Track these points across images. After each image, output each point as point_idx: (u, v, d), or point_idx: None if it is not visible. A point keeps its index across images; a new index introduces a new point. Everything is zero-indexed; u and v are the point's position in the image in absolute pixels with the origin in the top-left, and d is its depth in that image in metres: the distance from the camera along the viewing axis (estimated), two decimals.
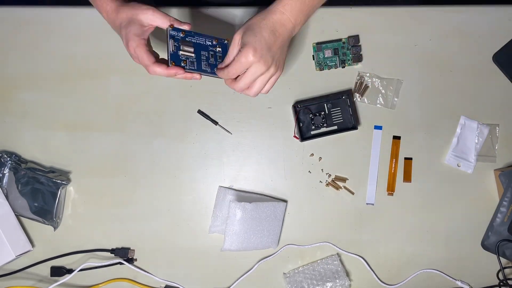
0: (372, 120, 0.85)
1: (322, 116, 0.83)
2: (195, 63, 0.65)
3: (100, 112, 0.84)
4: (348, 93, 0.83)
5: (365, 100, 0.84)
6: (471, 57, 0.85)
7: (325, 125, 0.83)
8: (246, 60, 0.61)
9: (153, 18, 0.63)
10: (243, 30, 0.62)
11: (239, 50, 0.62)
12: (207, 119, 0.82)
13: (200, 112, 0.82)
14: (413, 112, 0.85)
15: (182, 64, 0.64)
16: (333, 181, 0.85)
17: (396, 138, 0.85)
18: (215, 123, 0.82)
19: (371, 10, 0.85)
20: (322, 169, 0.85)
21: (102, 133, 0.84)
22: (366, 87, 0.84)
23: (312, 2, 0.65)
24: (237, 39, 0.63)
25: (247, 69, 0.62)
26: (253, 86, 0.64)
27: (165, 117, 0.84)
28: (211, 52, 0.66)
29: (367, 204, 0.85)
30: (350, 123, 0.83)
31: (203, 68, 0.65)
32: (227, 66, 0.63)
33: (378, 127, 0.85)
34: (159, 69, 0.63)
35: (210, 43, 0.66)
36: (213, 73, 0.65)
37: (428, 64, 0.85)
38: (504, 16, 0.85)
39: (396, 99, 0.84)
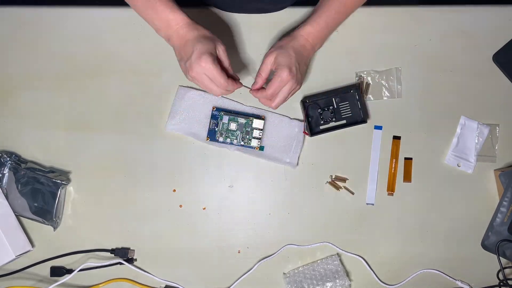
0: (373, 120, 0.85)
1: (331, 110, 0.83)
2: None
3: (100, 112, 0.84)
4: (357, 87, 0.82)
5: (371, 97, 0.84)
6: (471, 57, 0.85)
7: (333, 119, 0.83)
8: (282, 79, 0.69)
9: (221, 54, 0.68)
10: (276, 53, 0.70)
11: (276, 71, 0.69)
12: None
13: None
14: (413, 112, 0.85)
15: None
16: (333, 181, 0.85)
17: (396, 138, 0.85)
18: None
19: (371, 10, 0.85)
20: (322, 169, 0.85)
21: (102, 133, 0.84)
22: (368, 84, 0.84)
23: (329, 31, 0.75)
24: (269, 60, 0.71)
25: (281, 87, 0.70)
26: (279, 100, 0.72)
27: (165, 117, 0.84)
28: None
29: (367, 204, 0.85)
30: (359, 117, 0.83)
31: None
32: (266, 88, 0.71)
33: (378, 127, 0.85)
34: (232, 84, 0.68)
35: None
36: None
37: (428, 64, 0.85)
38: (504, 16, 0.85)
39: (399, 86, 0.84)
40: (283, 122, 0.84)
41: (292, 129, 0.84)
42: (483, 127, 0.85)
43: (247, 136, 0.83)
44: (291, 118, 0.84)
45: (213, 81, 0.66)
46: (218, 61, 0.68)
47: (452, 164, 0.85)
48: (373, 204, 0.85)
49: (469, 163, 0.85)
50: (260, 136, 0.83)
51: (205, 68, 0.65)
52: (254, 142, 0.83)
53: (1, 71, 0.84)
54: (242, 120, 0.82)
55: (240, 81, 0.72)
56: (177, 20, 0.68)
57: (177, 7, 0.69)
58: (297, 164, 0.84)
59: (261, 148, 0.83)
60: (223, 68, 0.68)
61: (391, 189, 0.85)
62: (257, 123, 0.83)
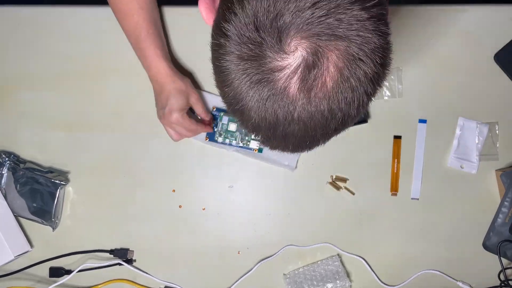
0: (374, 119, 0.84)
1: None
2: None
3: (100, 112, 0.84)
4: None
5: (372, 97, 0.84)
6: (472, 57, 0.85)
7: None
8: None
9: (194, 103, 0.76)
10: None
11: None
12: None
13: None
14: (414, 112, 0.85)
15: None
16: (333, 181, 0.84)
17: (397, 137, 0.84)
18: (193, 112, 0.83)
19: None
20: (322, 169, 0.84)
21: (101, 133, 0.84)
22: None
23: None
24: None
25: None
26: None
27: None
28: None
29: (412, 199, 0.84)
30: (360, 117, 0.82)
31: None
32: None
33: (422, 121, 0.84)
34: (202, 129, 0.78)
35: None
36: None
37: (429, 63, 0.84)
38: (505, 16, 0.84)
39: (400, 86, 0.84)
40: None
41: None
42: (482, 126, 0.84)
43: (246, 138, 0.82)
44: None
45: (184, 128, 0.75)
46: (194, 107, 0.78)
47: (455, 167, 0.84)
48: (418, 199, 0.84)
49: (472, 163, 0.84)
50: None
51: (174, 122, 0.74)
52: (253, 144, 0.82)
53: (1, 70, 0.83)
54: None
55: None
56: (158, 68, 0.73)
57: (163, 56, 0.73)
58: (296, 167, 0.84)
59: (260, 150, 0.83)
60: (194, 115, 0.80)
61: (394, 189, 0.84)
62: None
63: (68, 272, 0.83)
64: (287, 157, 0.83)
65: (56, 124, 0.84)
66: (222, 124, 0.82)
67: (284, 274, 0.85)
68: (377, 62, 0.39)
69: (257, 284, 0.85)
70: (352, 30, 0.37)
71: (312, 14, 0.36)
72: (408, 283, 0.85)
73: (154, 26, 0.73)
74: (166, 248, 0.84)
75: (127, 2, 0.71)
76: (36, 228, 0.83)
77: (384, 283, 0.85)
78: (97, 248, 0.84)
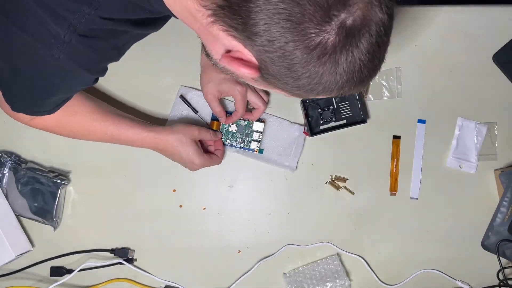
0: (373, 119, 0.85)
1: (331, 110, 0.83)
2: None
3: None
4: None
5: (371, 97, 0.84)
6: (471, 57, 0.85)
7: (333, 119, 0.83)
8: (243, 97, 0.77)
9: (199, 135, 0.77)
10: (215, 88, 0.76)
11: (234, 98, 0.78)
12: (188, 106, 0.83)
13: (182, 97, 0.83)
14: (413, 112, 0.85)
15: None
16: (333, 181, 0.85)
17: (396, 137, 0.85)
18: (195, 112, 0.83)
19: None
20: (322, 169, 0.85)
21: None
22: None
23: None
24: (215, 96, 0.77)
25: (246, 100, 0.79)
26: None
27: (166, 117, 0.84)
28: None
29: (411, 198, 0.85)
30: (359, 117, 0.83)
31: None
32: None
33: (421, 121, 0.85)
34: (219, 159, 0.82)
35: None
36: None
37: (428, 64, 0.85)
38: (504, 16, 0.85)
39: (399, 86, 0.84)
40: (283, 126, 0.84)
41: (292, 132, 0.83)
42: (481, 126, 0.85)
43: (247, 138, 0.83)
44: (291, 122, 0.84)
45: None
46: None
47: (454, 166, 0.85)
48: (417, 199, 0.85)
49: (471, 163, 0.85)
50: (259, 139, 0.83)
51: (203, 165, 0.78)
52: (254, 145, 0.83)
53: None
54: (242, 122, 0.82)
55: None
56: (148, 143, 0.76)
57: (145, 129, 0.75)
58: (296, 168, 0.84)
59: (261, 150, 0.83)
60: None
61: (393, 189, 0.85)
62: (257, 125, 0.83)
63: (69, 271, 0.83)
64: (287, 158, 0.84)
65: None
66: (223, 124, 0.82)
67: (284, 273, 0.85)
68: None
69: (257, 283, 0.85)
70: None
71: None
72: (407, 282, 0.86)
73: (118, 118, 0.75)
74: (167, 248, 0.85)
75: (93, 125, 0.74)
76: (37, 228, 0.84)
77: (384, 282, 0.85)
78: (98, 248, 0.84)
